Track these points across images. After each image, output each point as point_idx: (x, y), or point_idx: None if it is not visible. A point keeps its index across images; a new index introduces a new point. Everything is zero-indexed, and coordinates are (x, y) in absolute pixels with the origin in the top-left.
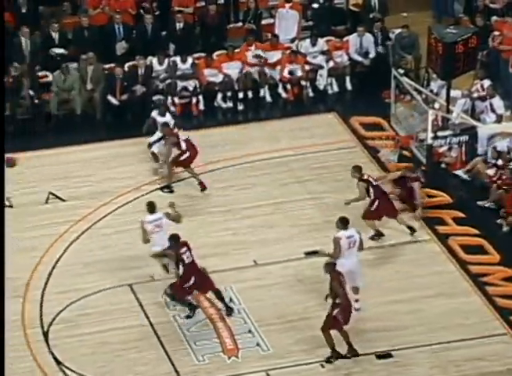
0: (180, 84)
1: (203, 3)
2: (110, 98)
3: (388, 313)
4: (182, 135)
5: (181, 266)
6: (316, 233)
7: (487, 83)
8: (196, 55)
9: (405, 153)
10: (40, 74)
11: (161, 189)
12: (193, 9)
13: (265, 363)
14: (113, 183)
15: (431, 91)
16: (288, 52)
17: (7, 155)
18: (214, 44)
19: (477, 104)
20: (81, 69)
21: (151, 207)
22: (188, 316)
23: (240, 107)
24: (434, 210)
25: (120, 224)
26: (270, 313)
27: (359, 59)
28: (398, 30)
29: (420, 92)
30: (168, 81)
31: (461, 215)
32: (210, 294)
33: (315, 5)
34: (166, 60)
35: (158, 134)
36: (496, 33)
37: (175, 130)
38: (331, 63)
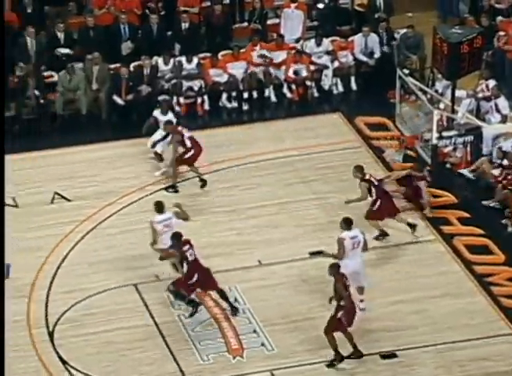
0: (185, 84)
1: (208, 3)
2: (116, 98)
3: (393, 313)
4: (186, 132)
5: (185, 264)
6: (321, 233)
7: (492, 83)
8: (201, 55)
9: (410, 153)
10: (45, 73)
11: (166, 189)
12: (199, 9)
13: (269, 362)
14: (118, 183)
15: (436, 91)
16: (293, 52)
17: None
18: (219, 44)
19: (482, 104)
20: (87, 69)
21: (159, 207)
22: (191, 314)
23: (245, 107)
24: (439, 210)
25: (125, 224)
26: (275, 313)
27: (364, 59)
28: (403, 31)
29: (425, 92)
30: (174, 81)
31: (466, 215)
32: (215, 294)
33: (321, 5)
34: (171, 60)
35: (160, 133)
36: (501, 33)
37: (179, 128)
38: (336, 63)
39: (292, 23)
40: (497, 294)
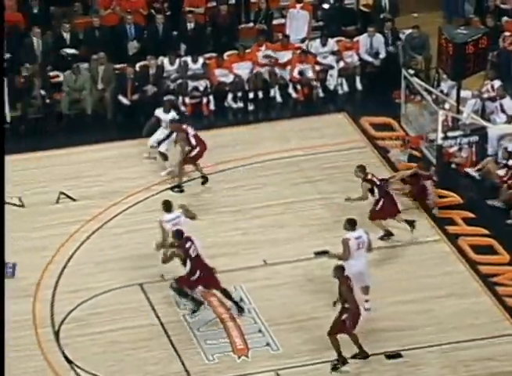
0: (191, 84)
1: (214, 3)
2: (121, 98)
3: (398, 313)
4: (191, 130)
5: (188, 261)
6: (326, 233)
7: (497, 83)
8: (207, 55)
9: (415, 153)
10: (51, 74)
11: (171, 188)
12: (204, 9)
13: (274, 362)
14: (123, 183)
15: (441, 91)
16: (298, 52)
17: None
18: (225, 44)
19: (487, 105)
20: (92, 69)
21: (167, 206)
22: (193, 311)
23: (251, 107)
24: (444, 210)
25: (131, 224)
26: (280, 313)
27: (369, 59)
28: (408, 31)
29: (430, 93)
30: (179, 81)
31: (471, 215)
32: (219, 294)
33: (326, 6)
34: (177, 60)
35: (162, 131)
36: (507, 33)
37: (183, 125)
38: (341, 64)
39: (297, 23)
40: (502, 294)
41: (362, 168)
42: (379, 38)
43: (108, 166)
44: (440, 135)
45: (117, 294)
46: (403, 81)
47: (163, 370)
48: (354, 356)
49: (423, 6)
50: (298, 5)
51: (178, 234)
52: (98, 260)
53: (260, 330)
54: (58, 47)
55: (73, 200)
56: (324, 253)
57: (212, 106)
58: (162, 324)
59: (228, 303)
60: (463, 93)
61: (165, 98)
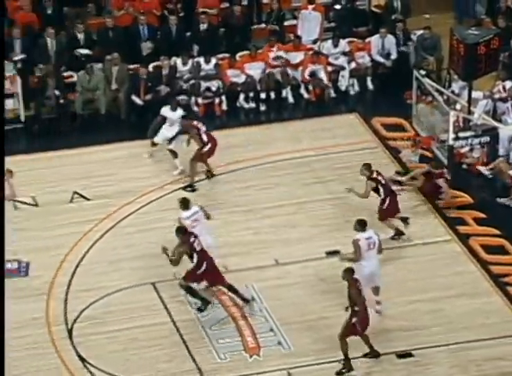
0: (203, 84)
1: (227, 4)
2: (135, 98)
3: (409, 313)
4: (202, 126)
5: (194, 255)
6: (337, 233)
7: (509, 84)
8: (219, 56)
9: (427, 153)
10: (65, 74)
11: (184, 188)
12: (218, 10)
13: (286, 361)
14: (136, 182)
15: (453, 92)
16: (310, 53)
17: None
18: (237, 45)
19: (498, 105)
20: (106, 69)
21: (185, 203)
22: (199, 309)
23: (263, 108)
24: (455, 210)
25: (144, 223)
26: (291, 312)
27: (381, 60)
28: (420, 32)
29: (441, 93)
30: (192, 82)
31: (482, 215)
32: (230, 293)
33: (338, 7)
34: (190, 61)
35: (169, 129)
36: None
37: (194, 122)
38: (353, 64)
39: (309, 24)
40: None
41: (367, 167)
42: (390, 39)
43: (121, 165)
44: (451, 135)
45: (129, 292)
46: (415, 82)
47: (175, 368)
48: (365, 356)
49: (434, 7)
50: (310, 7)
51: (181, 230)
52: (111, 259)
53: (271, 329)
54: (72, 47)
55: (87, 199)
56: (335, 253)
57: (224, 107)
58: (174, 323)
59: (237, 299)
60: (475, 94)
61: (178, 98)
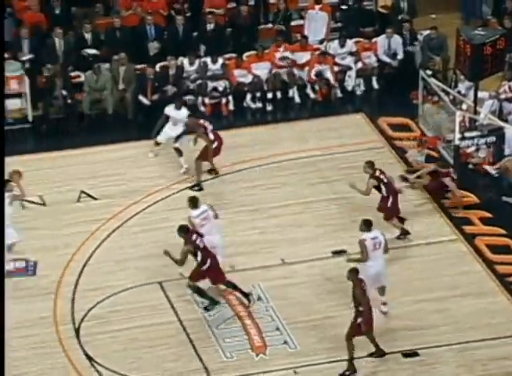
0: (210, 84)
1: (234, 4)
2: (142, 98)
3: (415, 312)
4: (208, 125)
5: (199, 253)
6: (343, 232)
7: None
8: (226, 56)
9: (433, 153)
10: (73, 74)
11: (191, 187)
12: (224, 10)
13: (292, 360)
14: (143, 182)
15: (459, 92)
16: (317, 53)
17: None
18: (244, 45)
19: (504, 105)
20: (113, 69)
21: (194, 202)
22: (206, 308)
23: (269, 108)
24: (462, 210)
25: (151, 222)
26: (297, 311)
27: (387, 60)
28: (426, 32)
29: (447, 94)
30: (199, 82)
31: (488, 215)
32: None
33: (345, 7)
34: (197, 61)
35: (172, 128)
36: None
37: (201, 121)
38: (360, 64)
39: (316, 24)
40: None
41: (370, 164)
42: (397, 39)
43: (128, 165)
44: (457, 135)
45: (136, 292)
46: (421, 82)
47: (182, 367)
48: (371, 355)
49: (441, 7)
50: (317, 7)
51: (183, 229)
52: (118, 258)
53: (277, 329)
54: (79, 47)
55: (94, 198)
56: (341, 252)
57: (231, 107)
58: (181, 322)
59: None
60: (481, 94)
61: (185, 98)
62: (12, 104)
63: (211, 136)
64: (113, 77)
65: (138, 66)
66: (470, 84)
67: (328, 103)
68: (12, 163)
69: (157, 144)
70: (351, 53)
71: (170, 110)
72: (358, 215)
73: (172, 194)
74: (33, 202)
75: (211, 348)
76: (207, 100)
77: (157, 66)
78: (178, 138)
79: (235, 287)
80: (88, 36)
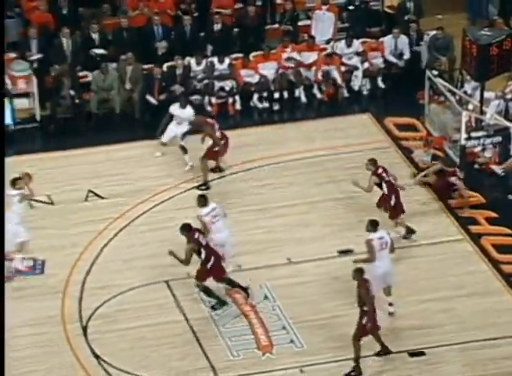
0: (217, 84)
1: (241, 5)
2: (149, 97)
3: (421, 312)
4: (216, 124)
5: (202, 250)
6: (350, 232)
7: None
8: (233, 56)
9: (439, 153)
10: (80, 73)
11: (198, 187)
12: (232, 10)
13: (298, 359)
14: (150, 181)
15: (465, 92)
16: (324, 53)
17: None
18: (251, 45)
19: (510, 105)
20: (121, 69)
21: (203, 200)
22: (213, 308)
23: (276, 107)
24: (468, 209)
25: (158, 221)
26: (303, 311)
27: (394, 60)
28: (432, 32)
29: (453, 94)
30: (206, 82)
31: (494, 214)
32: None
33: (351, 7)
34: (204, 61)
35: (177, 127)
36: None
37: (208, 119)
38: (366, 64)
39: (323, 25)
40: None
41: (373, 162)
42: (403, 40)
43: (135, 164)
44: (463, 135)
45: (143, 291)
46: (427, 82)
47: (188, 365)
48: (377, 354)
49: (447, 8)
50: (324, 7)
51: (186, 228)
52: (125, 257)
53: (284, 328)
54: (87, 47)
55: (102, 198)
56: (348, 252)
57: (238, 106)
58: (188, 321)
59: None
60: (487, 94)
61: (192, 98)
62: (20, 104)
63: (218, 135)
64: (120, 76)
65: (146, 66)
66: (477, 85)
67: (334, 103)
68: (19, 162)
69: (164, 144)
70: (357, 53)
71: (175, 108)
72: (364, 215)
73: (180, 193)
74: (41, 201)
75: (218, 346)
76: (213, 100)
77: (164, 66)
78: (183, 136)
79: (233, 284)
80: (95, 36)
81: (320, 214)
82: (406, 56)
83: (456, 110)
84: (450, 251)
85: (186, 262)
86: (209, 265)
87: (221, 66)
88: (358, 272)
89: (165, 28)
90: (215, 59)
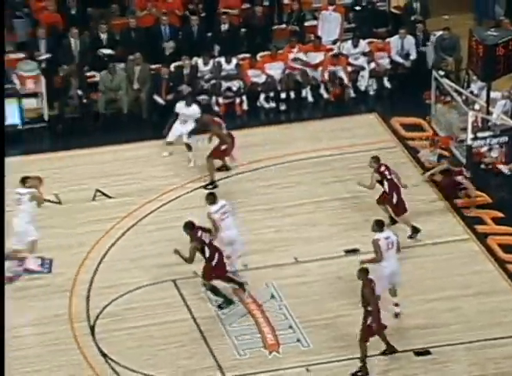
0: (224, 84)
1: (248, 5)
2: (156, 97)
3: (427, 311)
4: (222, 122)
5: (206, 248)
6: (356, 231)
7: None
8: (240, 56)
9: (445, 153)
10: (88, 74)
11: (205, 186)
12: (239, 10)
13: (304, 358)
14: (158, 181)
15: (471, 92)
16: (330, 54)
17: None
18: (258, 45)
19: None
20: (128, 69)
21: (212, 199)
22: (220, 307)
23: (283, 107)
24: (474, 209)
25: (165, 221)
26: (310, 310)
27: (400, 60)
28: (439, 33)
29: (460, 94)
30: (213, 82)
31: (500, 214)
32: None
33: (358, 8)
34: (211, 61)
35: (182, 126)
36: None
37: (215, 118)
38: (372, 65)
39: (329, 25)
40: None
41: (376, 159)
42: (410, 40)
43: (143, 164)
44: (470, 135)
45: (150, 289)
46: (433, 82)
47: (195, 364)
48: (383, 353)
49: (453, 8)
50: (330, 7)
51: (189, 226)
52: (132, 256)
53: (291, 327)
54: (95, 47)
55: (109, 197)
56: (354, 251)
57: (245, 106)
58: (195, 320)
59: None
60: (493, 94)
61: (200, 98)
62: (28, 104)
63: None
64: (128, 76)
65: (153, 66)
66: (483, 85)
67: (341, 103)
68: (27, 162)
69: (170, 143)
70: (364, 54)
71: (181, 107)
72: (371, 215)
73: (187, 193)
74: (49, 201)
75: (225, 345)
76: (221, 100)
77: (172, 66)
78: (190, 134)
79: (231, 281)
80: (103, 36)
81: (327, 213)
82: (413, 56)
83: (462, 110)
84: (456, 251)
85: (190, 260)
86: (214, 263)
87: (229, 67)
88: (363, 272)
89: (173, 28)
90: (222, 60)
